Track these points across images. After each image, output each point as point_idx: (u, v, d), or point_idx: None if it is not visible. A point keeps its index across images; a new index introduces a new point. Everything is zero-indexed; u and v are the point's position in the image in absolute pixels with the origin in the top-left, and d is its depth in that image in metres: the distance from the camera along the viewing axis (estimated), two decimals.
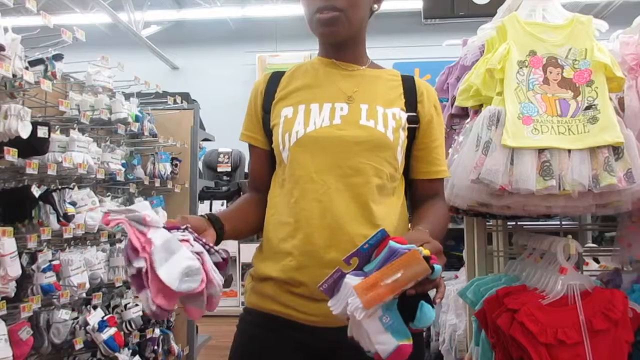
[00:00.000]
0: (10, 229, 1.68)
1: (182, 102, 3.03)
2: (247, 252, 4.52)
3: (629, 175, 1.30)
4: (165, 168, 2.78)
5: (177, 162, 2.96)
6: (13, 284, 1.70)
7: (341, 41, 1.17)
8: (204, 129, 3.38)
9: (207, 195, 4.35)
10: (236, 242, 4.55)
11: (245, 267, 4.50)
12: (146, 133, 2.67)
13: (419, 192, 1.22)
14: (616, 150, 1.32)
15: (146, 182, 2.67)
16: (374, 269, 0.88)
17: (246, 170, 5.04)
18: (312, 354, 1.12)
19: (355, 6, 1.12)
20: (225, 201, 4.57)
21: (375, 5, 1.18)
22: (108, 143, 2.46)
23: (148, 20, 6.71)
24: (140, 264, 0.86)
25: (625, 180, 1.29)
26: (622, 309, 1.36)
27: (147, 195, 2.73)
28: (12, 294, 1.73)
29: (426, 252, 0.87)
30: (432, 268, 0.85)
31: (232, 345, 1.19)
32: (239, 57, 7.07)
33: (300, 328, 1.10)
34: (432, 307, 0.90)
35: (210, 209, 4.45)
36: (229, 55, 7.13)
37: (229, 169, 4.84)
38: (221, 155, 4.89)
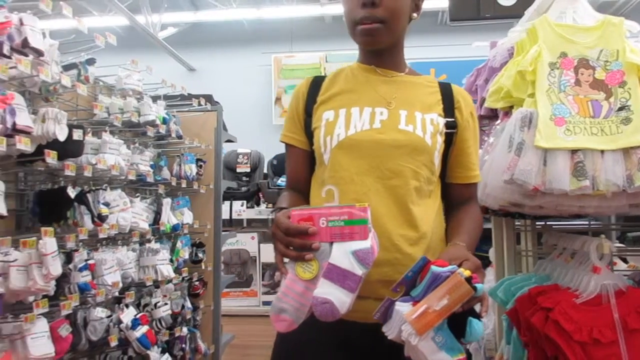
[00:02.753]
0: (51, 229, 1.73)
1: (205, 104, 3.07)
2: (267, 252, 4.56)
3: None
4: (191, 169, 2.83)
5: (202, 164, 3.01)
6: (53, 282, 1.75)
7: (381, 50, 1.20)
8: (227, 130, 3.43)
9: (227, 195, 4.39)
10: (256, 241, 4.59)
11: (266, 267, 4.54)
12: (173, 135, 2.71)
13: (454, 195, 1.27)
14: None
15: (173, 183, 2.72)
16: (420, 293, 0.96)
17: (265, 171, 5.07)
18: (352, 349, 1.16)
19: (396, 17, 1.15)
20: (245, 202, 4.61)
21: (415, 14, 1.21)
22: (137, 145, 2.50)
23: (165, 22, 6.79)
24: (365, 271, 0.94)
25: None
26: None
27: (173, 196, 2.78)
28: (52, 293, 1.79)
29: (467, 273, 0.93)
30: (475, 289, 0.90)
31: (274, 342, 1.23)
32: (255, 58, 7.12)
33: (339, 323, 1.14)
34: (480, 320, 0.96)
35: (231, 210, 4.49)
36: (245, 57, 7.18)
37: (248, 170, 4.88)
38: (240, 156, 4.93)
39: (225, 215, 4.42)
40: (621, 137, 1.35)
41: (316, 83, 1.27)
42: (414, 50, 6.28)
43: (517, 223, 1.92)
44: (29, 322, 1.65)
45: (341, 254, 0.94)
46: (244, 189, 4.72)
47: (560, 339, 1.34)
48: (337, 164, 1.16)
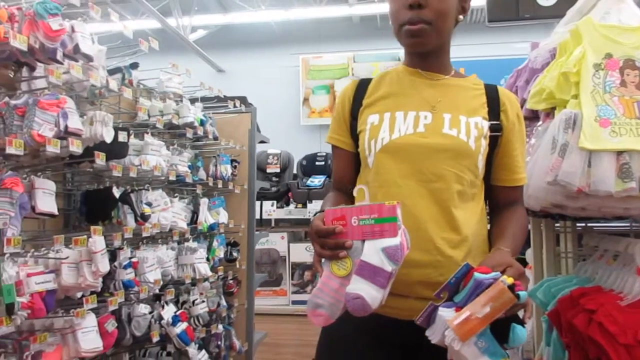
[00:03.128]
0: (100, 227, 1.80)
1: (240, 106, 3.13)
2: (296, 251, 4.61)
3: None
4: (226, 170, 2.89)
5: (236, 164, 3.07)
6: (101, 279, 1.82)
7: (427, 52, 1.22)
8: (260, 131, 3.48)
9: (258, 195, 4.46)
10: (286, 241, 4.65)
11: (295, 266, 4.59)
12: (209, 136, 2.78)
13: (499, 198, 1.27)
14: None
15: (210, 184, 2.78)
16: (462, 299, 0.98)
17: (295, 171, 5.12)
18: (395, 346, 1.18)
19: (443, 18, 1.16)
20: (275, 201, 4.67)
21: (461, 16, 1.22)
22: (176, 146, 2.57)
23: (195, 25, 6.91)
24: (396, 267, 0.97)
25: None
26: None
27: (210, 196, 2.84)
28: (99, 289, 1.85)
29: (510, 280, 0.95)
30: (518, 296, 0.92)
31: (319, 338, 1.26)
32: (283, 59, 7.20)
33: (382, 321, 1.16)
34: (523, 326, 0.97)
35: (261, 209, 4.55)
36: (273, 58, 7.26)
37: (278, 170, 4.95)
38: (270, 157, 4.99)
39: (257, 215, 4.49)
40: None
41: (362, 86, 1.29)
42: None
43: (556, 225, 1.91)
44: (79, 317, 1.72)
45: (372, 251, 0.97)
46: (274, 189, 4.78)
47: (604, 341, 1.33)
48: (381, 167, 1.18)
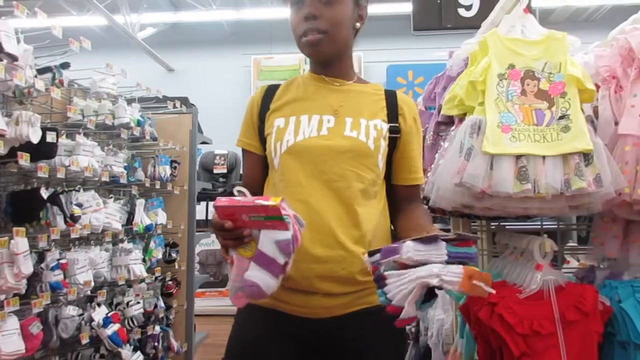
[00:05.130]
0: (23, 229, 1.78)
1: (181, 107, 3.13)
2: None
3: (598, 180, 1.42)
4: (165, 171, 2.89)
5: (176, 165, 3.06)
6: (24, 281, 1.80)
7: (327, 59, 1.29)
8: (202, 132, 3.48)
9: (203, 196, 4.44)
10: None
11: None
12: (147, 137, 2.77)
13: (399, 196, 1.36)
14: (586, 156, 1.43)
15: (147, 185, 2.77)
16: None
17: (242, 172, 5.13)
18: (302, 343, 1.23)
19: (338, 27, 1.23)
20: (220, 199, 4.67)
21: (358, 24, 1.30)
22: (111, 147, 2.55)
23: (144, 23, 6.79)
24: (288, 259, 1.01)
25: (595, 184, 1.41)
26: (592, 302, 1.48)
27: (147, 197, 2.83)
28: (24, 291, 1.83)
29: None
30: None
31: (229, 336, 1.30)
32: (234, 59, 7.16)
33: (290, 319, 1.21)
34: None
35: (207, 211, 4.54)
36: (224, 58, 7.22)
37: (225, 171, 4.94)
38: (217, 157, 4.98)
39: (201, 215, 4.47)
40: (561, 143, 1.45)
41: (270, 91, 1.34)
42: (392, 53, 6.39)
43: (473, 224, 2.02)
44: (0, 320, 1.70)
45: (267, 242, 1.02)
46: (220, 189, 4.78)
47: (503, 331, 1.44)
48: (286, 168, 1.23)
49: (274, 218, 1.01)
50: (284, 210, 1.02)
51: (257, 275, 1.01)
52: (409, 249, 0.99)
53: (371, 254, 1.03)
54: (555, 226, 2.15)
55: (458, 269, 0.99)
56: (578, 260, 2.35)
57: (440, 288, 0.99)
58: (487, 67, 1.56)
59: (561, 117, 1.49)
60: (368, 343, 1.22)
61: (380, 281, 1.00)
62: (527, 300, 1.49)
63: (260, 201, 1.02)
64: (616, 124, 1.55)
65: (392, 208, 1.34)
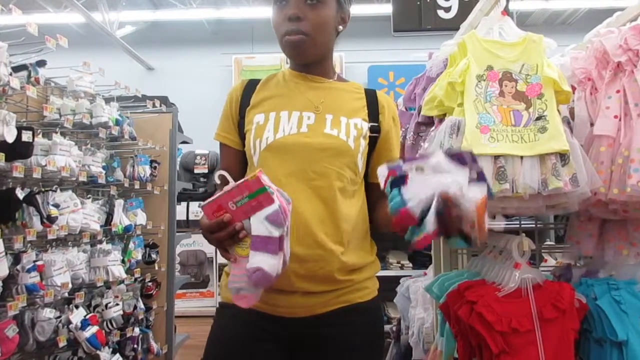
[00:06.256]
0: None
1: (160, 106, 3.09)
2: None
3: (574, 180, 1.45)
4: (144, 170, 2.85)
5: (156, 165, 3.03)
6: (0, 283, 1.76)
7: (308, 61, 1.28)
8: (182, 132, 3.45)
9: (184, 196, 4.41)
10: None
11: (222, 267, 4.58)
12: (126, 136, 2.73)
13: (377, 194, 1.34)
14: (563, 157, 1.46)
15: (126, 185, 2.73)
16: None
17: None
18: (281, 342, 1.22)
19: (321, 30, 1.23)
20: (202, 202, 4.63)
21: (341, 27, 1.30)
22: (89, 146, 2.51)
23: (123, 21, 6.70)
24: (282, 230, 0.99)
25: (571, 184, 1.44)
26: (569, 300, 1.51)
27: (126, 197, 2.80)
28: None
29: None
30: None
31: (208, 336, 1.29)
32: (215, 58, 7.10)
33: (269, 319, 1.21)
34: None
35: (187, 211, 4.50)
36: (205, 57, 7.15)
37: (206, 171, 4.90)
38: (198, 157, 4.94)
39: (182, 216, 4.43)
40: (538, 144, 1.48)
41: (250, 86, 1.33)
42: (373, 54, 6.41)
43: None
44: None
45: (257, 224, 1.01)
46: (201, 189, 4.74)
47: (483, 329, 1.46)
48: (265, 165, 1.21)
49: (258, 193, 1.00)
50: (265, 182, 1.01)
51: (257, 259, 0.99)
52: (440, 156, 0.98)
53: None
54: (533, 225, 2.19)
55: (481, 192, 0.97)
56: (555, 259, 2.39)
57: (453, 207, 0.94)
58: (465, 69, 1.58)
59: (538, 118, 1.52)
60: (347, 341, 1.22)
61: (399, 180, 0.99)
62: (506, 299, 1.51)
63: (239, 182, 1.02)
64: (592, 125, 1.58)
65: (370, 207, 1.34)
